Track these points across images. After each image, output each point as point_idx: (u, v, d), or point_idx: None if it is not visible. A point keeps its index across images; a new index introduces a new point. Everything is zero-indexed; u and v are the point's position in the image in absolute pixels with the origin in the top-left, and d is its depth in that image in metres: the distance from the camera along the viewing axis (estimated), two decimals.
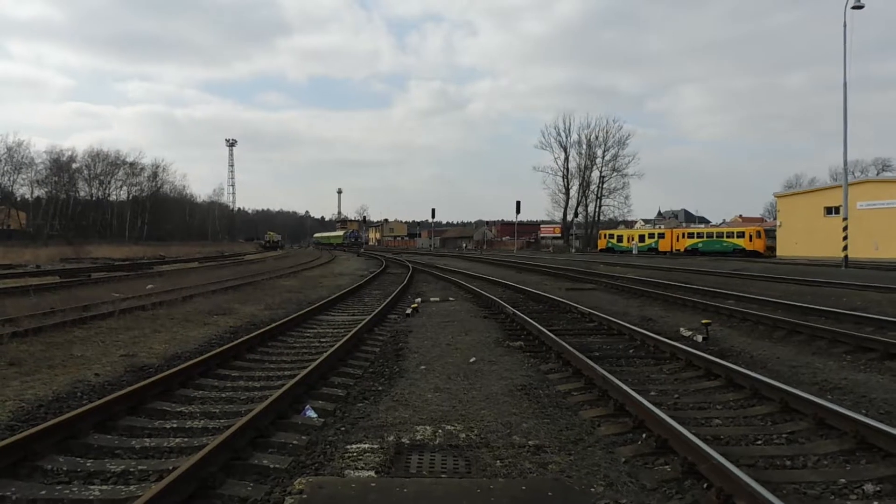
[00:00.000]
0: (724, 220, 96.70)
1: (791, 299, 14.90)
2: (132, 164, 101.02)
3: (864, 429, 5.02)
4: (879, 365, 8.31)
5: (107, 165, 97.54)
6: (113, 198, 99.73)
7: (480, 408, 6.21)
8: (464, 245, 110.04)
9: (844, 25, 30.56)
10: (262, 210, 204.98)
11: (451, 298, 17.35)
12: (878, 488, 4.27)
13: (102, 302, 13.94)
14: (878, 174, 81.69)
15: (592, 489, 4.17)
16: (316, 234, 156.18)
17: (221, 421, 5.77)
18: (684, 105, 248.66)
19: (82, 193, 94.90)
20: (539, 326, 10.49)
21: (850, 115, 31.22)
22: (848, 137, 31.32)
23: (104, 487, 4.27)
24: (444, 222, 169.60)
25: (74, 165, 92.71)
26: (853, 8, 30.70)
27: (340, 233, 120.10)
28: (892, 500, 4.11)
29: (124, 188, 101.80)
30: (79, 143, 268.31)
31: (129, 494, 4.08)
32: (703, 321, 10.84)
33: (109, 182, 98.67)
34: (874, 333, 10.10)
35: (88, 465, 4.64)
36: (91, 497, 4.09)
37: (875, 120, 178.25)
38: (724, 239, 57.37)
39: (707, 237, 60.08)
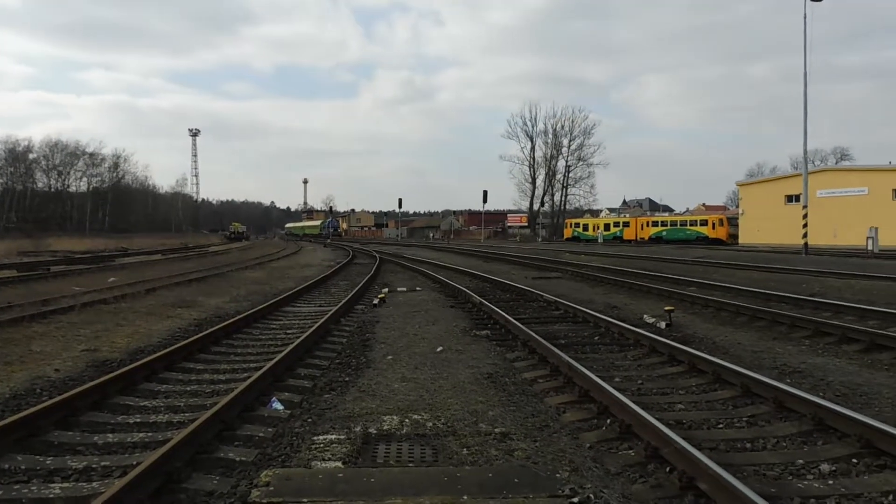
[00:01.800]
0: (688, 208, 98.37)
1: (753, 286, 15.23)
2: (92, 155, 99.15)
3: (821, 411, 5.17)
4: (837, 349, 8.55)
5: (66, 156, 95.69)
6: (73, 189, 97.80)
7: (447, 397, 6.24)
8: (431, 235, 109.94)
9: (805, 17, 31.16)
10: (227, 201, 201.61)
11: (418, 288, 17.35)
12: (833, 468, 4.40)
13: (63, 296, 13.61)
14: (837, 163, 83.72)
15: (558, 475, 4.22)
16: (288, 224, 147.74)
17: (186, 415, 5.70)
18: (649, 95, 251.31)
19: (40, 185, 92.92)
20: (506, 315, 10.55)
21: (811, 104, 31.92)
22: (808, 127, 31.94)
23: (65, 485, 4.18)
24: (412, 212, 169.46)
25: (31, 156, 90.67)
26: (812, 0, 31.32)
27: (317, 222, 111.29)
28: (846, 479, 4.24)
29: (84, 179, 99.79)
30: (36, 132, 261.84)
31: (92, 491, 4.00)
32: (666, 308, 11.00)
33: (69, 173, 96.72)
34: (832, 318, 10.40)
35: (48, 462, 4.53)
36: (51, 495, 3.99)
37: (835, 110, 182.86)
38: (688, 227, 58.34)
39: (671, 226, 61.01)
